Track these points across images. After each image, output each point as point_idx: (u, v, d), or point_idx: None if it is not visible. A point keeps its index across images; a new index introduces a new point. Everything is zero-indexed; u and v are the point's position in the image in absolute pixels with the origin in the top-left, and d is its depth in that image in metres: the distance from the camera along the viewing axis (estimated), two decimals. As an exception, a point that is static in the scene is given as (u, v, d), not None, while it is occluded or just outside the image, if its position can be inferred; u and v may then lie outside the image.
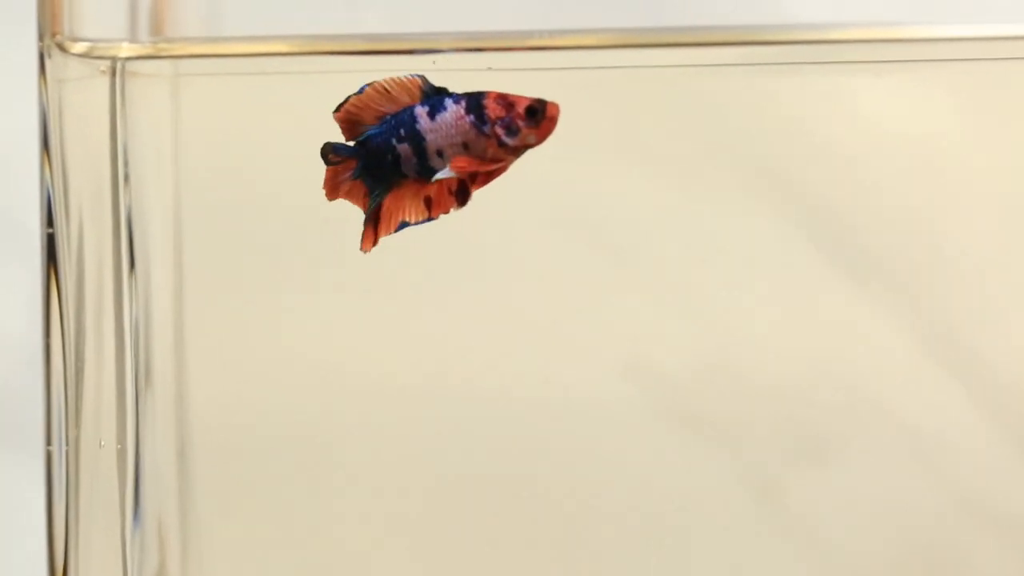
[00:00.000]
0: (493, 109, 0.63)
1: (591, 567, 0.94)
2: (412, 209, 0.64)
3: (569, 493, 0.94)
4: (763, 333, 0.90)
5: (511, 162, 0.63)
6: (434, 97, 0.63)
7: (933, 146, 0.88)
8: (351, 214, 0.90)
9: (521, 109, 0.63)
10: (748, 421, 0.92)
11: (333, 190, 0.64)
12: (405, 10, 0.87)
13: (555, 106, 0.62)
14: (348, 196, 0.64)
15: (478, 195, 0.88)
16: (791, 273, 0.89)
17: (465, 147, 0.63)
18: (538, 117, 0.63)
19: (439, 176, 0.62)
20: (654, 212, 0.92)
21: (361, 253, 0.67)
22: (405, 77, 0.63)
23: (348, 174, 0.64)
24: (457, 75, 0.82)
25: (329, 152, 0.63)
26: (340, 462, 0.91)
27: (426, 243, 0.90)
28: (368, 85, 0.62)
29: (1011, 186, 0.86)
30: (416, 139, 0.62)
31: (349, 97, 0.63)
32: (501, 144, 0.62)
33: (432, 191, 0.63)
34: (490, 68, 0.83)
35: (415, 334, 0.93)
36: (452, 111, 0.63)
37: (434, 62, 0.82)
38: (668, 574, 0.93)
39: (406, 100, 0.63)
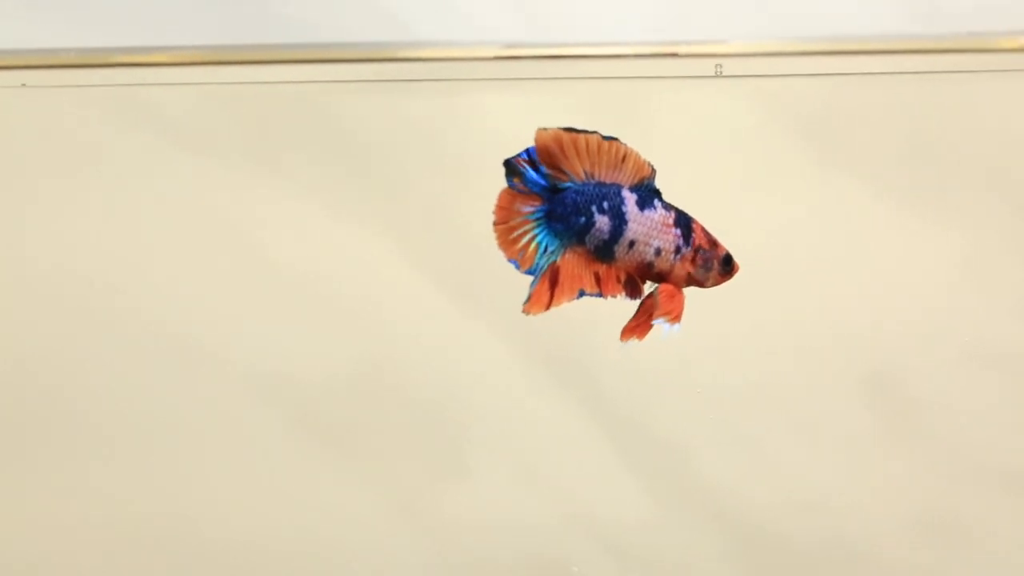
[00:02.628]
0: (700, 237, 0.63)
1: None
2: (586, 279, 0.61)
3: (209, 504, 0.90)
4: (404, 345, 0.90)
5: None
6: (643, 190, 0.61)
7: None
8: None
9: (721, 253, 0.64)
10: (390, 433, 0.91)
11: (506, 216, 0.61)
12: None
13: (738, 267, 0.65)
14: (515, 234, 0.61)
15: (132, 204, 0.85)
16: (430, 286, 0.89)
17: (657, 253, 0.62)
18: (728, 268, 0.65)
19: (657, 322, 0.62)
20: (298, 224, 0.89)
21: (524, 314, 0.62)
22: (644, 159, 0.61)
23: (528, 209, 0.61)
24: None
25: (517, 175, 0.60)
26: None
27: (88, 263, 0.85)
28: (613, 139, 0.60)
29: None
30: (619, 220, 0.61)
31: (583, 132, 0.60)
32: (692, 271, 0.63)
33: (601, 269, 0.62)
34: (24, 84, 0.78)
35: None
36: (661, 214, 0.62)
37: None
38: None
39: (625, 178, 0.61)
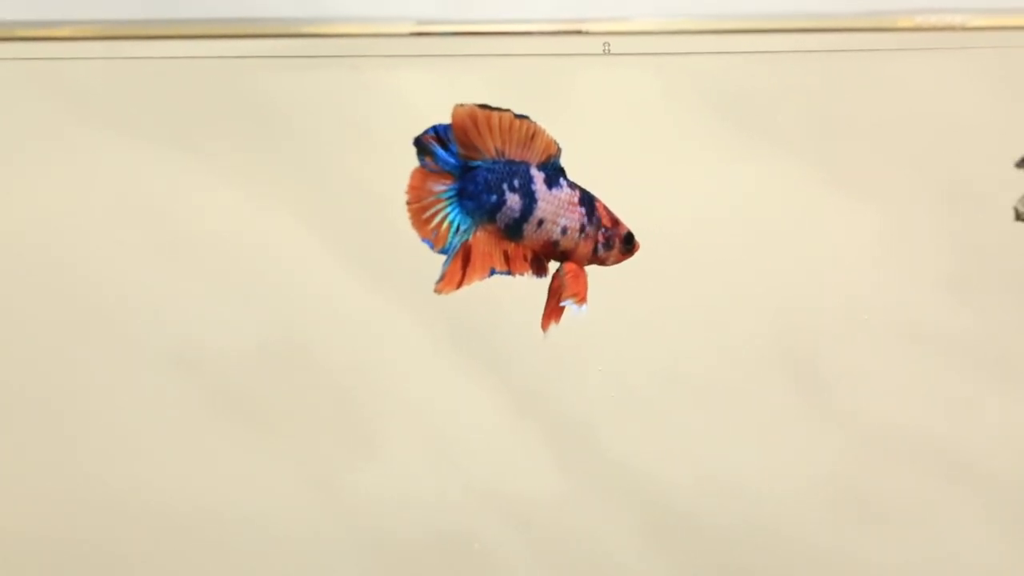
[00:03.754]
0: (603, 215, 0.65)
1: (141, 560, 0.90)
2: (496, 258, 0.63)
3: (119, 475, 0.90)
4: (316, 321, 0.90)
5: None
6: (550, 168, 0.63)
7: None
8: None
9: (623, 231, 0.66)
10: (301, 408, 0.91)
11: (418, 196, 0.62)
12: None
13: (638, 246, 0.66)
14: (428, 214, 0.62)
15: (40, 180, 0.84)
16: (342, 262, 0.89)
17: (563, 231, 0.64)
18: (630, 246, 0.67)
19: (566, 303, 0.64)
20: (209, 200, 0.89)
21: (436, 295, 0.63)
22: (551, 138, 0.63)
23: (440, 188, 0.62)
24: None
25: (428, 153, 0.61)
26: None
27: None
28: (525, 117, 0.62)
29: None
30: (529, 198, 0.63)
31: (496, 109, 0.61)
32: (594, 250, 0.65)
33: (509, 247, 0.63)
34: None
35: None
36: (567, 193, 0.64)
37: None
38: (221, 568, 0.91)
39: (534, 156, 0.62)
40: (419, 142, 0.62)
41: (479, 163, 0.62)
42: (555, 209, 0.64)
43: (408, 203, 0.63)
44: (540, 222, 0.64)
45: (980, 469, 0.93)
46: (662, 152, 0.90)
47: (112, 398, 0.90)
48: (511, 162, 0.62)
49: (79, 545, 0.90)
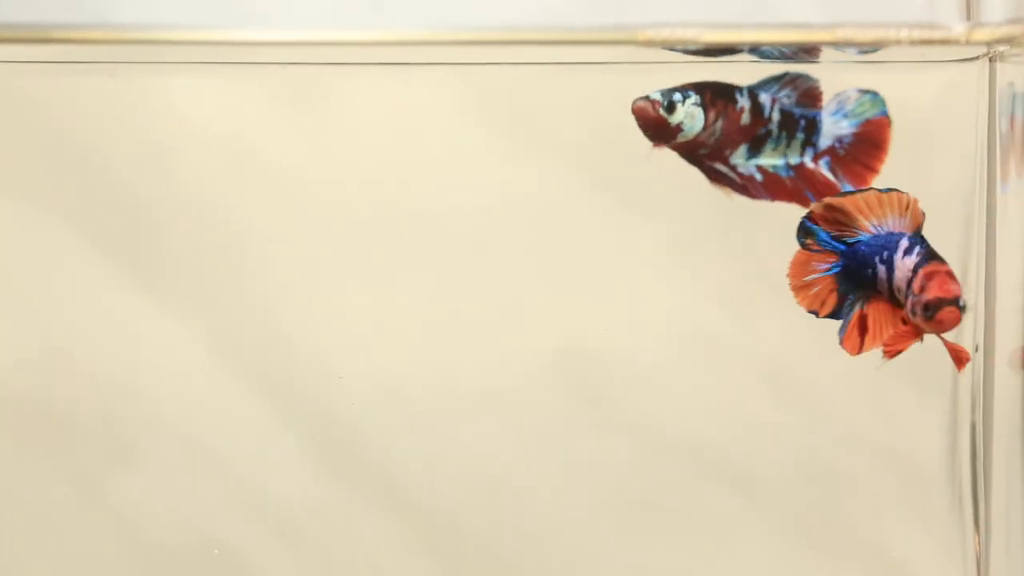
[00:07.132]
0: (930, 282, 0.63)
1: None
2: (892, 325, 0.65)
3: None
4: (84, 332, 0.87)
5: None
6: (915, 237, 0.64)
7: (245, 145, 0.89)
8: None
9: (926, 299, 0.63)
10: (62, 414, 0.88)
11: (800, 272, 0.65)
12: None
13: (950, 312, 0.63)
14: (814, 289, 0.65)
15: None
16: (115, 272, 0.86)
17: (905, 297, 0.64)
18: (930, 314, 0.63)
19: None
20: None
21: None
22: (920, 208, 0.63)
23: (823, 266, 0.65)
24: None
25: (809, 237, 0.64)
26: None
27: None
28: (894, 191, 0.63)
29: (320, 186, 0.90)
30: (890, 267, 0.64)
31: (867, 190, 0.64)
32: (904, 321, 0.64)
33: (906, 314, 0.64)
34: None
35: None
36: (912, 260, 0.64)
37: None
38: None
39: (908, 227, 0.63)
40: (803, 226, 0.65)
41: (858, 239, 0.64)
42: (903, 276, 0.65)
43: (789, 278, 0.66)
44: (897, 289, 0.66)
45: (756, 476, 0.94)
46: (446, 163, 0.90)
47: None
48: (890, 234, 0.65)
49: None
